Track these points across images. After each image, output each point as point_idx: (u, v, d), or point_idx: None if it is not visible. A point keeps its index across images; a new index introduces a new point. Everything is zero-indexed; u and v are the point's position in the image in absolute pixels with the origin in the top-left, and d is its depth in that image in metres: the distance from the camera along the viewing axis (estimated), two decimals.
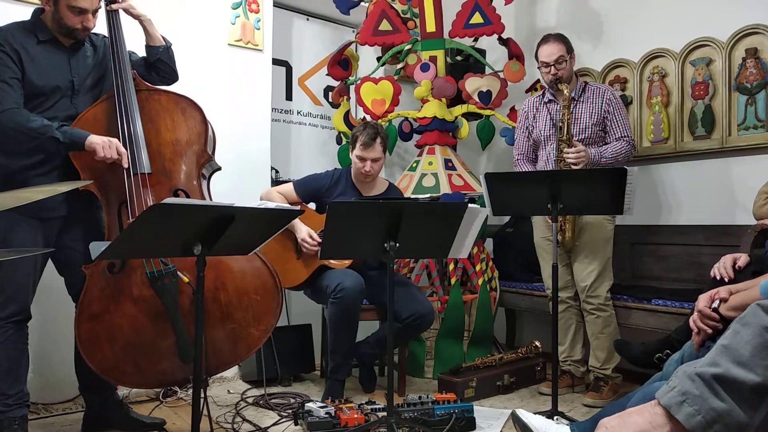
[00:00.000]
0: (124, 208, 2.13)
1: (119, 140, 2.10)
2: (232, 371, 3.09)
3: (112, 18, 2.22)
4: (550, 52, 2.79)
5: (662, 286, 2.96)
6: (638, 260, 3.23)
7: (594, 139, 2.82)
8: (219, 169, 2.43)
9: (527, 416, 1.75)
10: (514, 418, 1.78)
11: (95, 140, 2.04)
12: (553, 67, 2.79)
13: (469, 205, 2.10)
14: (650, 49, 3.26)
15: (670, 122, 3.18)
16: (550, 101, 2.91)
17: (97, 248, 1.73)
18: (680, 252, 3.05)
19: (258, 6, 3.27)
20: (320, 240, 2.66)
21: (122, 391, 2.62)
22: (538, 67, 2.88)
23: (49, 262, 2.22)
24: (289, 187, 2.90)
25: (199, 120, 2.29)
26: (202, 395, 1.80)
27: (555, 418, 2.21)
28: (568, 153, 2.67)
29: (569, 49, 2.83)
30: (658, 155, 3.22)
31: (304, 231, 2.72)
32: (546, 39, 2.85)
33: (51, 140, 2.01)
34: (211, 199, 2.34)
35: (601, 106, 2.82)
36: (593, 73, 3.53)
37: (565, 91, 2.72)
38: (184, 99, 2.30)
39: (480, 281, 3.29)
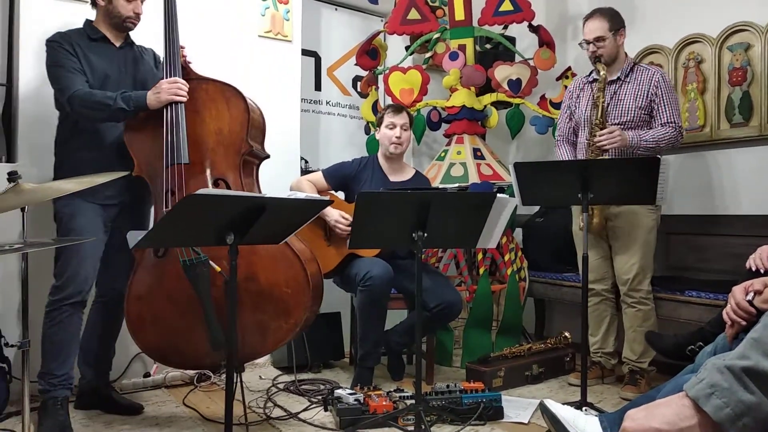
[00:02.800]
0: (171, 197, 2.20)
1: (163, 129, 2.20)
2: (264, 358, 3.16)
3: (169, 4, 2.32)
4: (590, 28, 2.69)
5: (696, 277, 2.91)
6: (672, 251, 3.17)
7: (637, 123, 2.68)
8: (268, 156, 2.49)
9: (556, 407, 1.74)
10: (543, 409, 1.78)
11: (152, 95, 2.19)
12: (592, 44, 2.69)
13: (498, 194, 2.09)
14: (686, 34, 3.18)
15: (706, 109, 3.10)
16: (595, 80, 2.79)
17: (134, 237, 1.79)
18: (716, 242, 2.98)
19: None
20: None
21: (159, 374, 2.71)
22: (579, 44, 2.80)
23: None
24: (318, 175, 2.95)
25: (242, 109, 2.31)
26: (236, 380, 1.85)
27: (584, 409, 2.20)
28: (601, 135, 2.59)
29: (615, 27, 2.68)
30: (693, 143, 3.14)
31: (335, 214, 2.76)
32: (591, 14, 2.73)
33: (119, 111, 2.15)
34: (259, 185, 2.42)
35: (648, 88, 2.67)
36: None
37: (602, 72, 2.64)
38: (230, 88, 2.34)
39: (509, 271, 3.28)
